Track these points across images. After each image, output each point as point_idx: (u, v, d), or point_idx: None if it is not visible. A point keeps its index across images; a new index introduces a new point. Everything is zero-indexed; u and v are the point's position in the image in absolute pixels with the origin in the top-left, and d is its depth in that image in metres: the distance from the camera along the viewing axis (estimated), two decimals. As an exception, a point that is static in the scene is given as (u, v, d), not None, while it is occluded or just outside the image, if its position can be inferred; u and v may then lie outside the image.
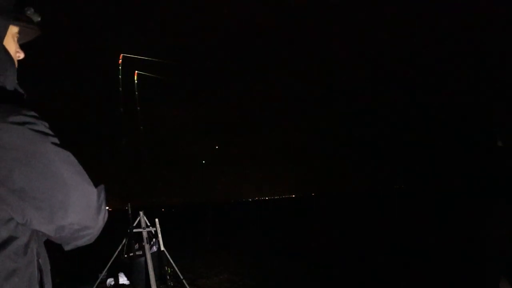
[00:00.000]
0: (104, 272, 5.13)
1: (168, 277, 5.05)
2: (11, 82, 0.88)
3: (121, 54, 4.79)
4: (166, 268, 5.09)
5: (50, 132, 0.79)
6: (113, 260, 4.79)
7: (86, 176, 0.84)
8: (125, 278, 5.79)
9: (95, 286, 4.79)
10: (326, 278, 6.01)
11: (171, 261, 4.82)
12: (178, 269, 4.89)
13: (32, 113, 0.77)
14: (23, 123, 0.74)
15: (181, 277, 4.86)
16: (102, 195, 0.87)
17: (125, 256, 5.23)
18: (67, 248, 0.88)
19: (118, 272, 5.83)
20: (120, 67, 4.74)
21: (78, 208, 0.80)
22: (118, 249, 4.80)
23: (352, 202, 41.31)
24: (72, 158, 0.81)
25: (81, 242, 0.87)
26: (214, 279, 6.30)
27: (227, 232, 14.91)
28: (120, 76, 4.73)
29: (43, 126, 0.78)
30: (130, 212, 4.63)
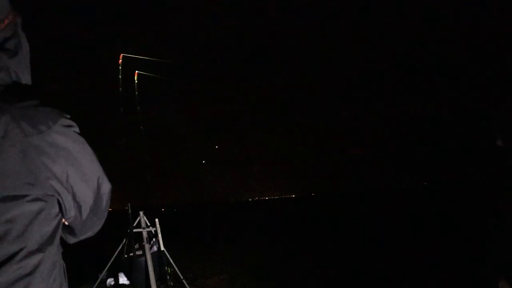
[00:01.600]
0: (104, 272, 5.13)
1: (168, 277, 5.05)
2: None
3: (121, 54, 4.79)
4: (166, 268, 5.10)
5: None
6: (113, 260, 4.80)
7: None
8: (125, 278, 5.79)
9: (95, 286, 4.80)
10: (327, 278, 6.02)
11: (171, 261, 4.83)
12: (178, 269, 4.89)
13: (68, 115, 0.83)
14: (69, 126, 0.80)
15: (181, 277, 4.87)
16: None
17: (125, 256, 5.23)
18: (72, 241, 0.94)
19: (118, 272, 5.83)
20: (120, 67, 4.75)
21: (101, 201, 0.90)
22: (118, 249, 4.81)
23: (352, 202, 41.35)
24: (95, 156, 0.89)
25: (87, 235, 0.95)
26: (214, 279, 6.29)
27: (227, 232, 14.91)
28: (120, 76, 4.74)
29: (78, 128, 0.84)
30: (130, 212, 4.65)
